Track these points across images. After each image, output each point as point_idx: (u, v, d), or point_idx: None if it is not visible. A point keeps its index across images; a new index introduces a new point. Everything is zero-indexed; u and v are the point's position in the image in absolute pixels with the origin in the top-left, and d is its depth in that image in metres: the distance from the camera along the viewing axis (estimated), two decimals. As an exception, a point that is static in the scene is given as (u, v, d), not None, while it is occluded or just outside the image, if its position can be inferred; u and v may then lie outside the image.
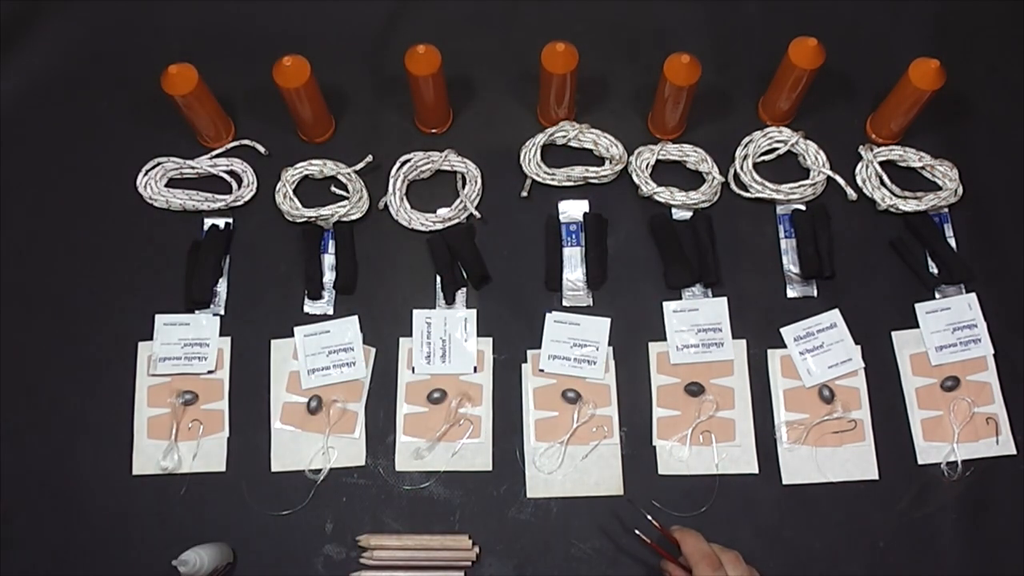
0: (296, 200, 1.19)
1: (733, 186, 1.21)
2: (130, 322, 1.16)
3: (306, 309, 1.17)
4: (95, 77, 1.30)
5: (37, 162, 1.25)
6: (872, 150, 1.22)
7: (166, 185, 1.23)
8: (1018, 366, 1.13)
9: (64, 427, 1.12)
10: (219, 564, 1.01)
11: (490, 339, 1.15)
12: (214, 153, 1.24)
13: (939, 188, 1.20)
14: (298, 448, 1.11)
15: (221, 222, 1.21)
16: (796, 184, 1.20)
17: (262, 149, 1.24)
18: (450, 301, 1.16)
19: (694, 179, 1.22)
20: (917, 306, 1.15)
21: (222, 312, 1.17)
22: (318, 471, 1.10)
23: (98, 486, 1.10)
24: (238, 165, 1.23)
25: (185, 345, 1.14)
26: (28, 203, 1.23)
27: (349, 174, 1.21)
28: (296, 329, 1.15)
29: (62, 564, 1.08)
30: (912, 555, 1.06)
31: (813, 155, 1.21)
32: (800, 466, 1.10)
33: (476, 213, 1.20)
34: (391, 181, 1.21)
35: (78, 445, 1.12)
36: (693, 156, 1.21)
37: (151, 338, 1.15)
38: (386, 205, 1.21)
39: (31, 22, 1.34)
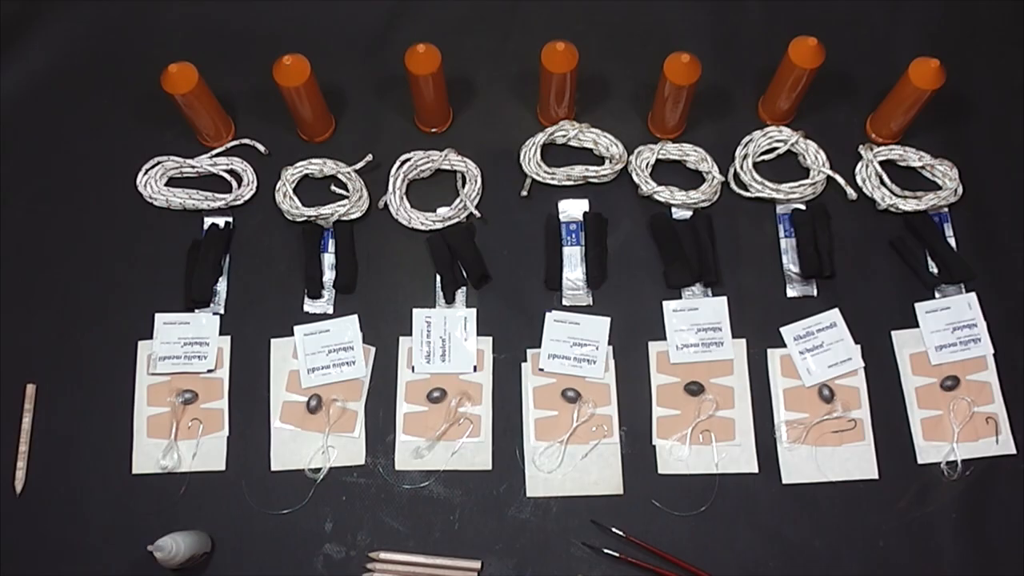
0: (296, 199, 1.19)
1: (733, 185, 1.21)
2: (130, 321, 1.16)
3: (306, 308, 1.17)
4: (95, 76, 1.30)
5: (37, 161, 1.25)
6: (872, 149, 1.22)
7: (166, 184, 1.23)
8: (1018, 365, 1.13)
9: (64, 426, 1.12)
10: (196, 552, 1.01)
11: (490, 338, 1.15)
12: (214, 152, 1.24)
13: (939, 188, 1.20)
14: (298, 447, 1.11)
15: (221, 221, 1.21)
16: (796, 183, 1.20)
17: (262, 148, 1.24)
18: (450, 300, 1.16)
19: (694, 178, 1.22)
20: (917, 305, 1.15)
21: (222, 311, 1.17)
22: (318, 470, 1.10)
23: (98, 485, 1.10)
24: (238, 164, 1.23)
25: (185, 344, 1.14)
26: (28, 202, 1.23)
27: (349, 173, 1.21)
28: (296, 328, 1.15)
29: (62, 563, 1.08)
30: (912, 554, 1.06)
31: (813, 154, 1.21)
32: (800, 465, 1.10)
33: (476, 212, 1.20)
34: (391, 180, 1.21)
35: (78, 444, 1.12)
36: (693, 155, 1.21)
37: (151, 337, 1.15)
38: (386, 204, 1.21)
39: (32, 22, 1.34)
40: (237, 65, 1.27)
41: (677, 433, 1.11)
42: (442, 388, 1.13)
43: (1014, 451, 1.10)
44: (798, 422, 1.11)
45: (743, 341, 1.15)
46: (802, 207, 1.20)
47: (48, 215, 1.22)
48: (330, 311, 1.17)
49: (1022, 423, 1.11)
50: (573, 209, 1.21)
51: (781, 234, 1.20)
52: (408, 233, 1.21)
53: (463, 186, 1.22)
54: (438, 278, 1.18)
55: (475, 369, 1.14)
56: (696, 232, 1.18)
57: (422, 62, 1.13)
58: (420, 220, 1.20)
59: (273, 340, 1.15)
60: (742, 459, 1.10)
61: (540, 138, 1.22)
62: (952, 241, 1.18)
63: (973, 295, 1.15)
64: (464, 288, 1.18)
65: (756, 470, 1.10)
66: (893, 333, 1.15)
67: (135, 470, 1.11)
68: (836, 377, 1.12)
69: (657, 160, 1.22)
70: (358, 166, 1.21)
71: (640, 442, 1.11)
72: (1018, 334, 1.14)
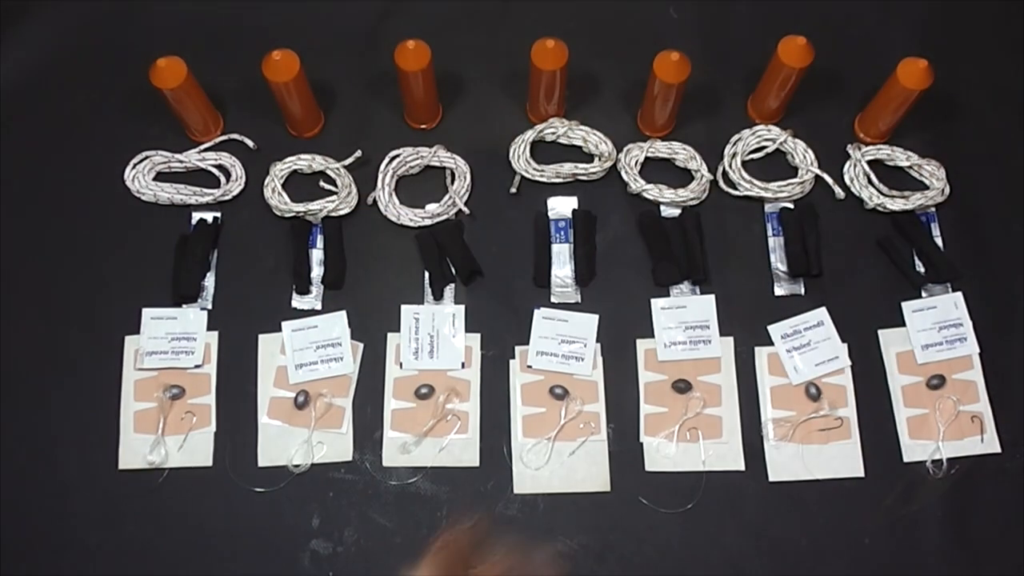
0: (284, 195, 1.19)
1: (722, 184, 1.22)
2: (117, 316, 1.15)
3: (294, 304, 1.17)
4: (84, 71, 1.30)
5: (25, 156, 1.25)
6: (860, 149, 1.22)
7: (154, 179, 1.22)
8: (1003, 365, 1.14)
9: (50, 421, 1.12)
10: None
11: (478, 335, 1.15)
12: (202, 147, 1.23)
13: (926, 187, 1.21)
14: (285, 443, 1.11)
15: (209, 216, 1.20)
16: (784, 182, 1.21)
17: (251, 143, 1.24)
18: (438, 297, 1.16)
19: (683, 177, 1.23)
20: (903, 304, 1.16)
21: (210, 306, 1.16)
22: (298, 465, 1.09)
23: (84, 480, 1.10)
24: (226, 159, 1.23)
25: (172, 339, 1.14)
26: (16, 197, 1.22)
27: (338, 169, 1.21)
28: (284, 324, 1.15)
29: (48, 559, 1.07)
30: (897, 552, 1.07)
31: (801, 153, 1.22)
32: (786, 463, 1.10)
33: (465, 209, 1.20)
34: (380, 176, 1.21)
35: (64, 439, 1.11)
36: (682, 154, 1.22)
37: (138, 332, 1.15)
38: (375, 200, 1.21)
39: (21, 17, 1.33)
40: (226, 60, 1.27)
41: (664, 430, 1.11)
42: (430, 384, 1.13)
43: (999, 450, 1.10)
44: (785, 420, 1.11)
45: (731, 339, 1.15)
46: (790, 206, 1.21)
47: (36, 210, 1.22)
48: (318, 307, 1.17)
49: (1007, 422, 1.11)
50: (562, 206, 1.21)
51: (769, 232, 1.20)
52: (397, 229, 1.20)
53: (452, 183, 1.22)
54: (426, 275, 1.18)
55: (463, 366, 1.14)
56: (684, 230, 1.19)
57: (412, 58, 1.12)
58: (409, 216, 1.20)
59: (261, 336, 1.15)
60: (729, 456, 1.10)
61: (529, 135, 1.22)
62: (939, 241, 1.19)
63: (959, 294, 1.16)
64: (452, 285, 1.18)
65: (743, 468, 1.10)
66: (880, 332, 1.15)
67: (121, 465, 1.10)
68: (823, 375, 1.13)
69: (646, 158, 1.22)
70: (347, 162, 1.21)
71: (627, 439, 1.11)
72: (1003, 333, 1.15)
